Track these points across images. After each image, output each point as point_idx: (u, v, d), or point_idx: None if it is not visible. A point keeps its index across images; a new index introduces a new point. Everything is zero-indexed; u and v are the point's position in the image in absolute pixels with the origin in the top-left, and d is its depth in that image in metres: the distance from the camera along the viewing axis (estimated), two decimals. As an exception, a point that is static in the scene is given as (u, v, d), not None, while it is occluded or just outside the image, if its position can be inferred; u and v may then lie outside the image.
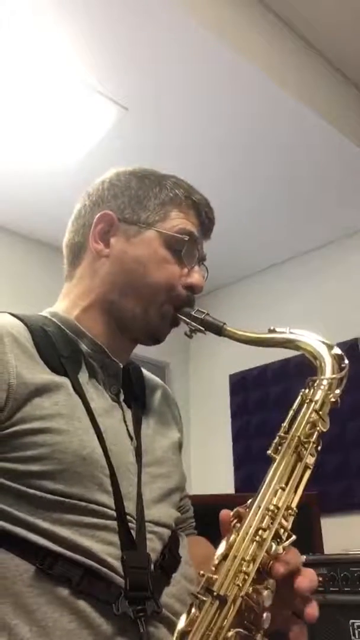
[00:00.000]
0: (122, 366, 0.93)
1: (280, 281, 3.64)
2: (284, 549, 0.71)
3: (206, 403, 3.61)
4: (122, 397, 0.92)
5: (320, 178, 2.89)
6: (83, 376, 0.86)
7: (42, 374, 0.80)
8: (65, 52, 2.20)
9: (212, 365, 3.74)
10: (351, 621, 1.82)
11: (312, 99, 2.50)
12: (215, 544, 0.99)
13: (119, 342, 0.94)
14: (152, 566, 0.78)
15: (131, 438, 0.87)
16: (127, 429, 0.88)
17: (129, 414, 0.91)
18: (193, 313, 0.93)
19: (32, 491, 0.74)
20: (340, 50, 2.62)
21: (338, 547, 2.16)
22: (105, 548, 0.74)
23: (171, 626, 0.73)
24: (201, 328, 0.92)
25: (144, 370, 1.05)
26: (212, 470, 3.40)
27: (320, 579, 1.88)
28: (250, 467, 3.36)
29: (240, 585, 0.67)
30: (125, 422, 0.89)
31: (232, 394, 3.63)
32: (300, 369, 3.22)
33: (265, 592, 0.66)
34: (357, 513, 2.85)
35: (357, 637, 1.79)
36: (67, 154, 2.73)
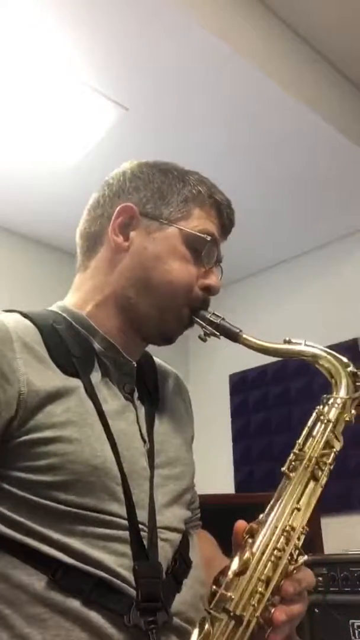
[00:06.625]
0: (135, 364, 0.91)
1: (281, 280, 3.64)
2: (295, 569, 0.71)
3: (206, 403, 3.60)
4: (136, 395, 0.90)
5: (321, 178, 2.88)
6: (96, 376, 0.84)
7: (53, 380, 0.78)
8: (65, 52, 2.20)
9: (212, 365, 3.74)
10: (351, 621, 1.82)
11: (313, 98, 2.50)
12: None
13: (131, 340, 0.91)
14: (164, 574, 0.77)
15: (144, 441, 0.86)
16: (140, 431, 0.87)
17: (142, 412, 0.89)
18: (209, 317, 0.91)
19: (44, 502, 0.73)
20: (340, 50, 2.62)
21: (338, 547, 2.16)
22: (117, 559, 0.73)
23: (182, 635, 0.73)
24: (216, 333, 0.90)
25: (156, 358, 1.03)
26: (212, 470, 3.39)
27: (320, 579, 1.89)
28: (250, 467, 3.36)
29: (256, 605, 0.67)
30: (138, 423, 0.87)
31: (232, 394, 3.63)
32: (299, 369, 3.23)
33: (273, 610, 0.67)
34: (356, 513, 2.85)
35: (357, 637, 1.80)
36: (67, 154, 2.73)
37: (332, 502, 2.73)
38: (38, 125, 2.56)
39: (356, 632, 1.80)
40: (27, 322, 0.83)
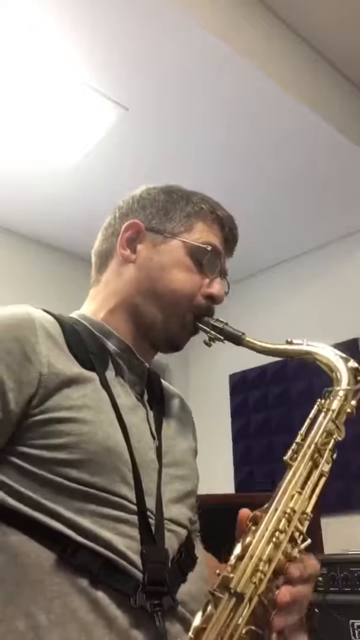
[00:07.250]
0: (147, 366, 0.96)
1: (281, 280, 3.64)
2: (299, 551, 0.73)
3: (206, 403, 3.61)
4: (145, 397, 0.95)
5: (321, 178, 2.89)
6: (110, 373, 0.89)
7: (72, 367, 0.83)
8: (65, 52, 2.20)
9: (212, 365, 3.74)
10: (351, 621, 1.82)
11: (313, 98, 2.50)
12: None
13: (142, 345, 0.96)
14: (170, 563, 0.79)
15: (153, 437, 0.90)
16: (150, 428, 0.90)
17: (151, 414, 0.93)
18: (213, 322, 0.96)
19: (56, 478, 0.76)
20: (340, 50, 2.62)
21: (338, 547, 2.16)
22: (125, 541, 0.75)
23: (186, 623, 0.74)
24: (220, 337, 0.95)
25: (162, 380, 1.08)
26: (212, 470, 3.38)
27: (321, 579, 1.89)
28: (250, 467, 3.36)
29: (257, 583, 0.68)
30: (148, 421, 0.91)
31: (232, 394, 3.63)
32: (299, 369, 3.22)
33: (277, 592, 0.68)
34: (356, 513, 2.85)
35: (357, 637, 1.80)
36: (67, 154, 2.73)
37: (332, 502, 2.74)
38: (38, 125, 2.56)
39: (356, 632, 1.80)
40: (50, 317, 0.88)
